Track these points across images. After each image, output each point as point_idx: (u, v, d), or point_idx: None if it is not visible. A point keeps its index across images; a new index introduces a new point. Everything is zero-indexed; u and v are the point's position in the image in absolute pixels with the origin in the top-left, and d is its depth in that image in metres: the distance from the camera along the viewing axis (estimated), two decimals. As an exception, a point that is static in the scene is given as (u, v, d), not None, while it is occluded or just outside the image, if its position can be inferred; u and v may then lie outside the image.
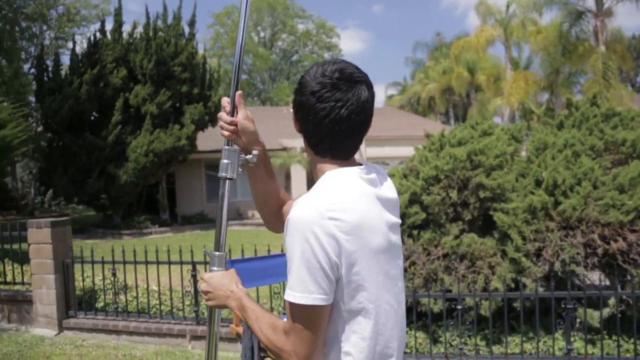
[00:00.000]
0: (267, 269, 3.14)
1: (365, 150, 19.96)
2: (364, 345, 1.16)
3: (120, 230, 15.35)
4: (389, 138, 20.89)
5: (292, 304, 1.11)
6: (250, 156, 1.39)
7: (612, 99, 17.93)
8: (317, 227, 1.08)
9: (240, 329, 2.83)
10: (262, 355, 2.68)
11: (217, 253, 1.36)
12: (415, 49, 46.08)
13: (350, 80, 1.18)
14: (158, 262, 4.88)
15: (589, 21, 20.78)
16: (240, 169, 1.40)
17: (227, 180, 1.38)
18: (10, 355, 4.44)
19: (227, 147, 1.38)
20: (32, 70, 20.99)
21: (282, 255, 3.38)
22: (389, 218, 1.23)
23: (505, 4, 26.48)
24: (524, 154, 5.58)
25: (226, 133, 1.37)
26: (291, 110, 1.30)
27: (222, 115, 1.38)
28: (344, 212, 1.10)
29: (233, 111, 1.37)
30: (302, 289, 1.09)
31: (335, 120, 1.17)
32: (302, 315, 1.10)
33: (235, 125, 1.36)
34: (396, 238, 1.25)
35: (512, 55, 27.25)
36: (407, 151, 6.03)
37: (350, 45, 74.00)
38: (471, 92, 31.25)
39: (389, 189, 1.29)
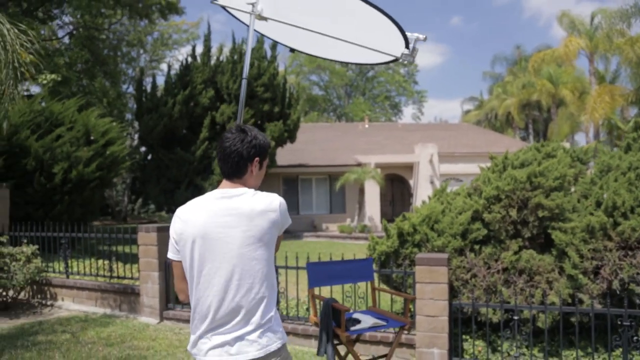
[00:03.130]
0: (340, 272, 3.71)
1: (439, 167, 20.04)
2: None
3: (204, 238, 16.60)
4: (463, 155, 20.80)
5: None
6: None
7: None
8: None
9: (317, 319, 3.37)
10: (336, 342, 3.20)
11: None
12: (493, 62, 45.08)
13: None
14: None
15: (684, 32, 19.58)
16: None
17: None
18: (124, 335, 5.33)
19: None
20: (129, 90, 23.28)
21: (353, 261, 3.93)
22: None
23: (590, 15, 25.52)
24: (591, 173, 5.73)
25: None
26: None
27: None
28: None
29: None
30: None
31: None
32: None
33: None
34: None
35: (597, 68, 26.08)
36: (480, 166, 6.24)
37: (428, 59, 73.40)
38: (552, 107, 30.17)
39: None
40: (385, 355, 3.22)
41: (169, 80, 16.33)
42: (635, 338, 4.22)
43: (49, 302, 6.92)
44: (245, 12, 2.53)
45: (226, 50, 17.05)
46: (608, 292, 4.34)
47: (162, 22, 22.45)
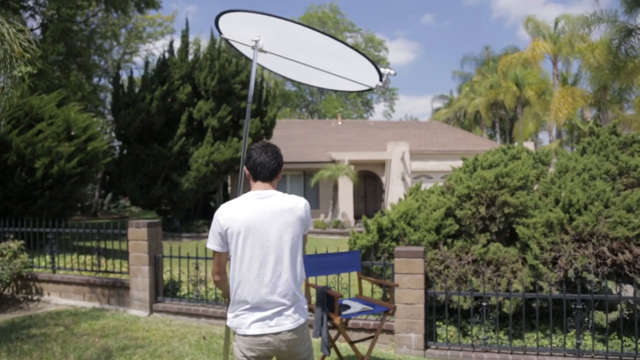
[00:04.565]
0: (332, 263, 4.12)
1: (410, 164, 20.66)
2: None
3: (180, 233, 16.74)
4: (434, 153, 21.48)
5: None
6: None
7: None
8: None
9: (312, 305, 3.76)
10: (329, 325, 3.59)
11: None
12: (463, 62, 46.31)
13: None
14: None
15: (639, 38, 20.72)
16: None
17: None
18: (117, 327, 5.58)
19: None
20: (102, 82, 23.01)
21: (342, 253, 4.34)
22: None
23: (554, 20, 26.62)
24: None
25: None
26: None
27: None
28: None
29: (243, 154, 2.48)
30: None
31: None
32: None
33: None
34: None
35: (560, 71, 27.24)
36: (451, 165, 6.65)
37: (399, 56, 74.50)
38: (518, 106, 31.30)
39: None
40: (372, 337, 3.62)
41: (146, 76, 16.35)
42: (586, 319, 4.77)
43: (34, 297, 7.06)
44: (250, 46, 2.94)
45: (204, 46, 17.12)
46: (564, 280, 4.87)
47: (136, 14, 22.29)
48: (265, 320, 2.21)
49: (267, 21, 2.85)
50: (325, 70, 3.11)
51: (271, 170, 2.35)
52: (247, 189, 2.44)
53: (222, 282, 2.41)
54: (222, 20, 3.01)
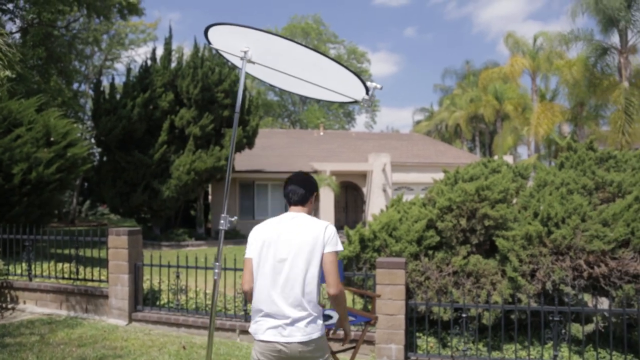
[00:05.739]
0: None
1: (391, 176, 20.83)
2: None
3: (160, 242, 16.55)
4: (414, 164, 21.70)
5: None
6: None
7: (633, 134, 18.43)
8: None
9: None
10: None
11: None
12: (444, 76, 46.99)
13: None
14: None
15: (614, 57, 21.39)
16: None
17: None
18: (95, 336, 5.49)
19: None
20: (82, 88, 22.72)
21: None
22: None
23: (533, 37, 27.31)
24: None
25: None
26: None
27: None
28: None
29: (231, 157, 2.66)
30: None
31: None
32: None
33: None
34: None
35: (538, 86, 27.88)
36: (433, 177, 6.77)
37: (381, 68, 75.27)
38: (498, 120, 31.87)
39: None
40: (353, 347, 3.62)
41: (128, 82, 16.21)
42: (563, 331, 4.87)
43: (9, 306, 6.89)
44: (238, 57, 2.99)
45: (187, 54, 17.07)
46: (542, 292, 4.97)
47: (119, 21, 22.14)
48: (278, 329, 2.40)
49: (256, 34, 2.90)
50: (313, 83, 3.16)
51: (299, 195, 2.67)
52: (232, 197, 2.53)
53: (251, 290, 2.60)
54: (211, 32, 3.04)
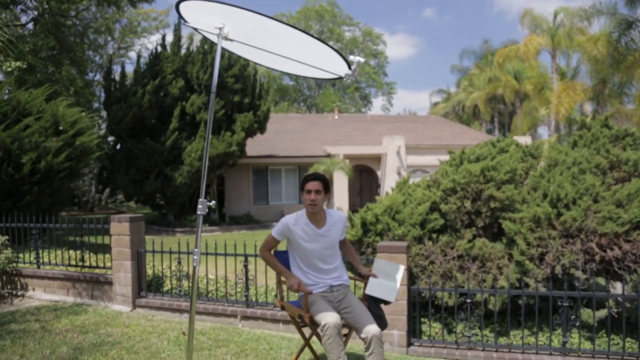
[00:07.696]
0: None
1: (406, 158, 20.52)
2: None
3: (174, 228, 16.64)
4: (429, 147, 21.34)
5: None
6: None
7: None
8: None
9: (283, 303, 3.63)
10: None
11: None
12: (462, 56, 46.04)
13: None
14: (216, 254, 5.81)
15: None
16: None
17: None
18: (98, 323, 5.48)
19: None
20: (97, 77, 22.83)
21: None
22: None
23: (553, 13, 26.40)
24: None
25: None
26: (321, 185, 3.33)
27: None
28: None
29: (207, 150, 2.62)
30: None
31: None
32: None
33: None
34: None
35: (558, 65, 27.03)
36: (438, 159, 6.60)
37: (399, 51, 74.11)
38: (517, 101, 31.11)
39: None
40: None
41: (138, 70, 16.18)
42: (573, 317, 4.66)
43: (19, 293, 6.96)
44: (214, 34, 2.82)
45: (197, 39, 16.95)
46: (551, 277, 4.76)
47: (130, 9, 22.09)
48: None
49: (234, 11, 2.74)
50: (295, 60, 3.00)
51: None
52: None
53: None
54: (187, 8, 2.89)
